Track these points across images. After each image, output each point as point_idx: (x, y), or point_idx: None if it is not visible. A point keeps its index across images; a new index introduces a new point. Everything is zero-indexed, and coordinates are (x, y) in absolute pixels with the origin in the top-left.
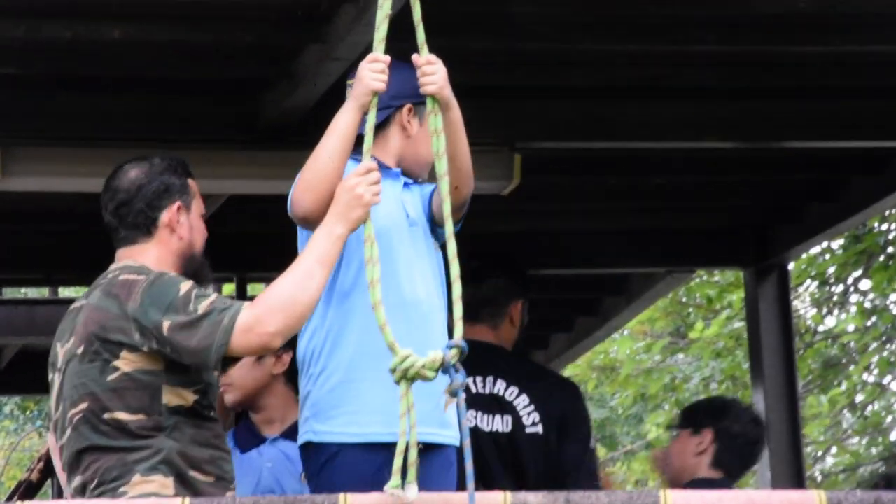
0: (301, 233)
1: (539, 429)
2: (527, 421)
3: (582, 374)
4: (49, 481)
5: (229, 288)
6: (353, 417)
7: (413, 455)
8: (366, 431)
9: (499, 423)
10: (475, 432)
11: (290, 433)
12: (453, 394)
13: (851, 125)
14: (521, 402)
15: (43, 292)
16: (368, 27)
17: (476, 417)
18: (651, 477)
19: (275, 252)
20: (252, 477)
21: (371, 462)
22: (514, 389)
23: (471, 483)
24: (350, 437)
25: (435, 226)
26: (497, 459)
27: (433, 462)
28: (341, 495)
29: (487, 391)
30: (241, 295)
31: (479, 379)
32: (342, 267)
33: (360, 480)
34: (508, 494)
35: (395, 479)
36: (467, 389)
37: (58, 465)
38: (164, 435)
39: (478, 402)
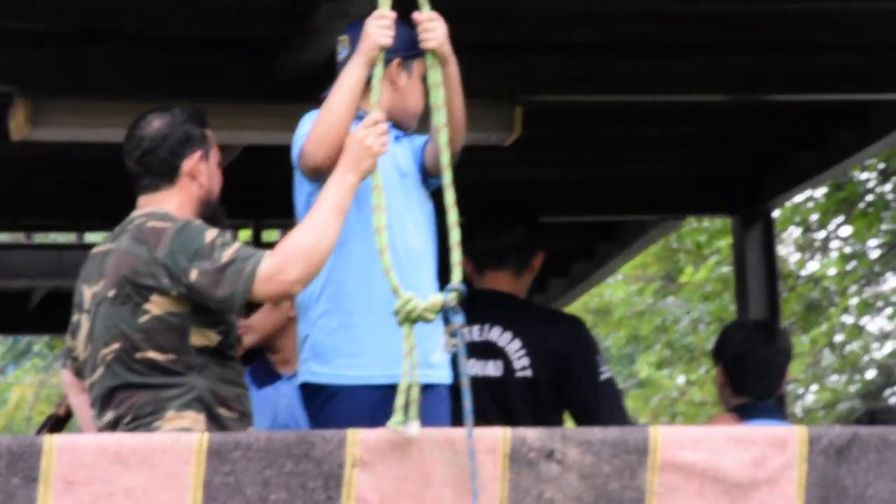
0: (299, 186)
1: (529, 373)
2: (517, 365)
3: (578, 316)
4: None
5: (246, 233)
6: (351, 360)
7: (415, 393)
8: (363, 374)
9: (491, 369)
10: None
11: None
12: (453, 334)
13: (833, 79)
14: (513, 346)
15: (70, 237)
16: None
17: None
18: (642, 413)
19: (288, 200)
20: (269, 412)
21: (368, 401)
22: (508, 335)
23: (469, 419)
24: (348, 379)
25: (427, 176)
26: (492, 404)
27: (424, 400)
28: (349, 431)
29: (482, 338)
30: (257, 239)
31: (475, 327)
32: None
33: (358, 419)
34: (508, 430)
35: (399, 415)
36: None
37: (75, 401)
38: (195, 373)
39: (472, 349)
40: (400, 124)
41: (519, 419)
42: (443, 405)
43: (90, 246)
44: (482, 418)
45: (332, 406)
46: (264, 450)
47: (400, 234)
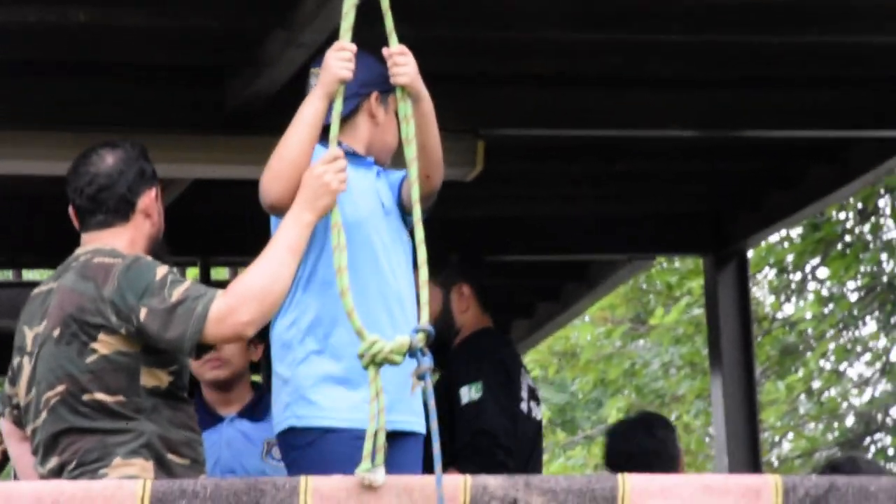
0: (274, 220)
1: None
2: (541, 412)
3: (543, 359)
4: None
5: (193, 272)
6: (340, 403)
7: (381, 439)
8: (349, 417)
9: (537, 413)
10: (538, 424)
11: (247, 412)
12: (420, 377)
13: (810, 114)
14: (538, 393)
15: (6, 275)
16: (333, 14)
17: (533, 408)
18: None
19: (238, 236)
20: (211, 456)
21: (353, 446)
22: (532, 380)
23: (438, 465)
24: (336, 422)
25: (404, 212)
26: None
27: (410, 449)
28: (302, 477)
29: (530, 384)
30: (205, 277)
31: (523, 370)
32: (323, 257)
33: (344, 462)
34: (469, 478)
35: (366, 462)
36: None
37: (15, 451)
38: (144, 417)
39: (531, 394)
40: (378, 159)
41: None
42: (416, 454)
43: (28, 284)
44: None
45: (320, 447)
46: (211, 498)
47: (390, 275)
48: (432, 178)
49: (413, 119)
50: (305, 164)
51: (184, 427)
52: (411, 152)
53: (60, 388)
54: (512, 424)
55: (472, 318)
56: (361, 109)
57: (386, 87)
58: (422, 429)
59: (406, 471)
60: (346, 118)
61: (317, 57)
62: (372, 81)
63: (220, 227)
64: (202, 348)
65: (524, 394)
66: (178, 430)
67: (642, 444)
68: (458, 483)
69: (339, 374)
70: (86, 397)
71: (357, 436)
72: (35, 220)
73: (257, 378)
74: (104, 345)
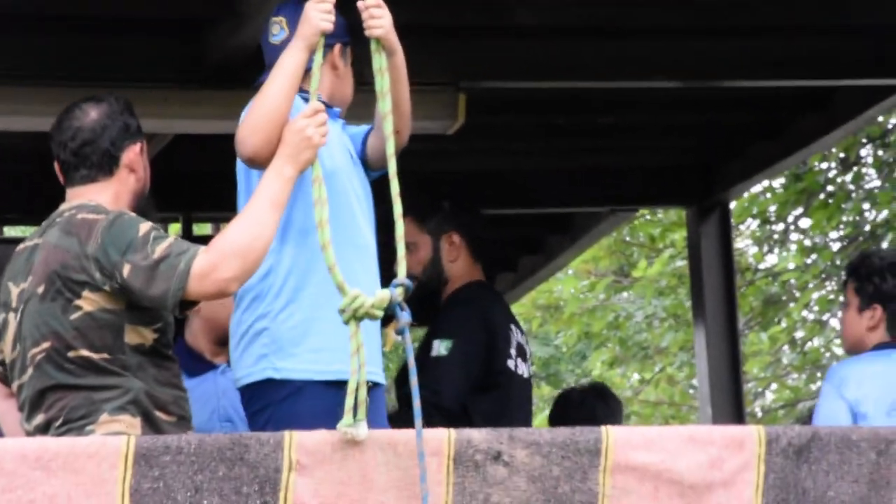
0: (241, 174)
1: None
2: (530, 369)
3: (526, 312)
4: None
5: (175, 228)
6: (317, 355)
7: (363, 394)
8: (330, 369)
9: (524, 369)
10: (527, 382)
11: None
12: (399, 332)
13: (793, 64)
14: (528, 349)
15: None
16: None
17: (520, 365)
18: None
19: (220, 191)
20: (207, 405)
21: (332, 398)
22: (524, 338)
23: (418, 420)
24: (314, 374)
25: (367, 167)
26: (530, 405)
27: (377, 401)
28: (286, 433)
29: (518, 340)
30: (188, 233)
31: (515, 328)
32: (299, 205)
33: (321, 416)
34: (453, 431)
35: (348, 417)
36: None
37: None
38: (131, 374)
39: (522, 350)
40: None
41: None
42: (382, 406)
43: (11, 240)
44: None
45: (296, 402)
46: (195, 453)
47: (365, 227)
48: (402, 134)
49: (388, 72)
50: (285, 117)
51: (169, 385)
52: (386, 106)
53: (46, 344)
54: (466, 390)
55: (462, 268)
56: (324, 61)
57: (346, 39)
58: (383, 379)
59: (375, 422)
60: (309, 70)
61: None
62: (335, 33)
63: (203, 183)
64: (185, 305)
65: (512, 350)
66: (163, 388)
67: (598, 411)
68: (443, 437)
69: (318, 326)
70: (71, 354)
71: (337, 389)
72: (17, 176)
73: None
74: (88, 302)
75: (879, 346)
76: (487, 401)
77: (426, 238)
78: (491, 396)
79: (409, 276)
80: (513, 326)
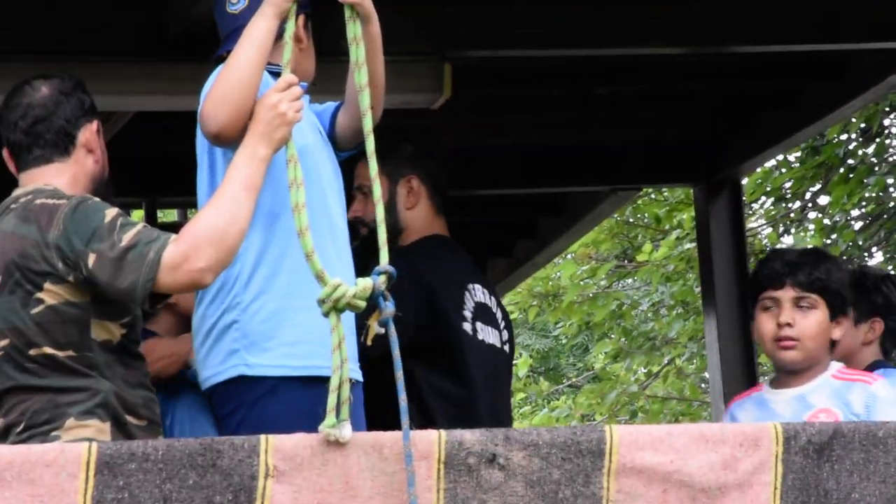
0: (202, 152)
1: (508, 347)
2: (504, 336)
3: (522, 301)
4: None
5: (138, 214)
6: (292, 349)
7: (346, 392)
8: (306, 364)
9: (492, 336)
10: (490, 349)
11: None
12: (383, 323)
13: (806, 27)
14: (499, 313)
15: None
16: None
17: (482, 331)
18: (598, 412)
19: (187, 173)
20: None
21: (311, 396)
22: (493, 300)
23: (405, 419)
24: (290, 370)
25: (337, 146)
26: (499, 377)
27: (355, 400)
28: (262, 437)
29: (482, 300)
30: (151, 220)
31: (476, 286)
32: (268, 186)
33: (299, 415)
34: (443, 433)
35: (330, 417)
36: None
37: None
38: (98, 374)
39: (480, 312)
40: None
41: (506, 398)
42: (361, 406)
43: None
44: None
45: (270, 402)
46: (163, 460)
47: (335, 208)
48: (375, 109)
49: (363, 42)
50: (254, 90)
51: (139, 386)
52: (363, 77)
53: (4, 342)
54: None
55: (420, 219)
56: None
57: (309, 10)
58: (360, 376)
59: (354, 423)
60: (279, 40)
61: None
62: (300, 1)
63: (167, 165)
64: (156, 298)
65: (467, 312)
66: (133, 389)
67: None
68: (432, 438)
69: (293, 317)
70: (33, 352)
71: (315, 386)
72: None
73: None
74: (51, 294)
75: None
76: (436, 371)
77: (382, 180)
78: (441, 365)
79: (358, 220)
80: (473, 286)
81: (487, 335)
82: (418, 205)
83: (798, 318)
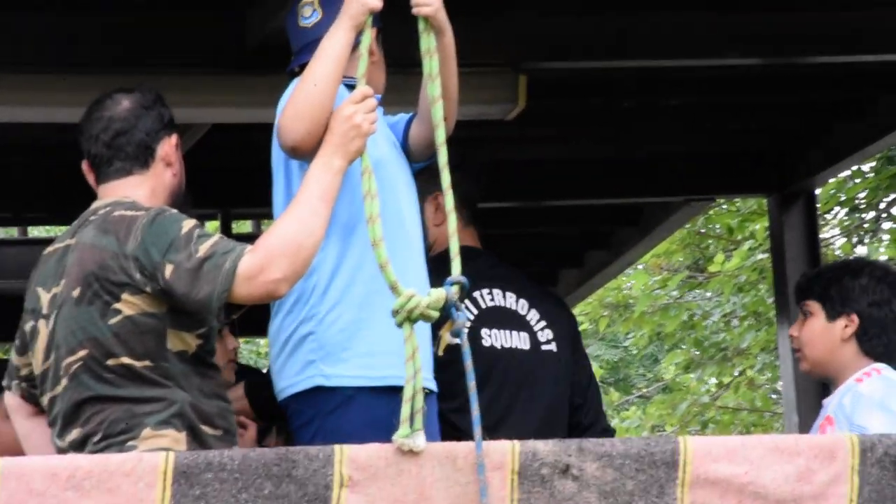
0: (278, 165)
1: (553, 347)
2: (541, 338)
3: (593, 312)
4: None
5: (213, 225)
6: (368, 360)
7: (419, 402)
8: (382, 374)
9: (517, 340)
10: (491, 352)
11: None
12: (455, 334)
13: (881, 38)
14: (532, 316)
15: (11, 232)
16: None
17: (491, 335)
18: (668, 422)
19: (261, 185)
20: None
21: (385, 406)
22: (523, 303)
23: (477, 429)
24: (367, 381)
25: (410, 158)
26: (514, 380)
27: (429, 410)
28: (337, 447)
29: (497, 304)
30: (226, 231)
31: (484, 291)
32: (343, 197)
33: (375, 426)
34: (516, 443)
35: (405, 427)
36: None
37: (22, 427)
38: (175, 384)
39: (490, 316)
40: None
41: (542, 398)
42: (435, 416)
43: (36, 241)
44: (498, 399)
45: (345, 413)
46: (239, 470)
47: (409, 219)
48: (448, 121)
49: (437, 54)
50: (331, 103)
51: (215, 396)
52: (436, 89)
53: (82, 352)
54: None
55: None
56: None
57: (381, 25)
58: (434, 386)
59: (428, 433)
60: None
61: None
62: (376, 15)
63: (242, 176)
64: (231, 308)
65: (471, 315)
66: (208, 400)
67: None
68: (506, 448)
69: (368, 328)
70: (111, 362)
71: (390, 396)
72: (42, 172)
73: None
74: (129, 305)
75: None
76: (443, 379)
77: None
78: (447, 372)
79: None
80: (482, 291)
81: (501, 339)
82: (446, 221)
83: (801, 329)
